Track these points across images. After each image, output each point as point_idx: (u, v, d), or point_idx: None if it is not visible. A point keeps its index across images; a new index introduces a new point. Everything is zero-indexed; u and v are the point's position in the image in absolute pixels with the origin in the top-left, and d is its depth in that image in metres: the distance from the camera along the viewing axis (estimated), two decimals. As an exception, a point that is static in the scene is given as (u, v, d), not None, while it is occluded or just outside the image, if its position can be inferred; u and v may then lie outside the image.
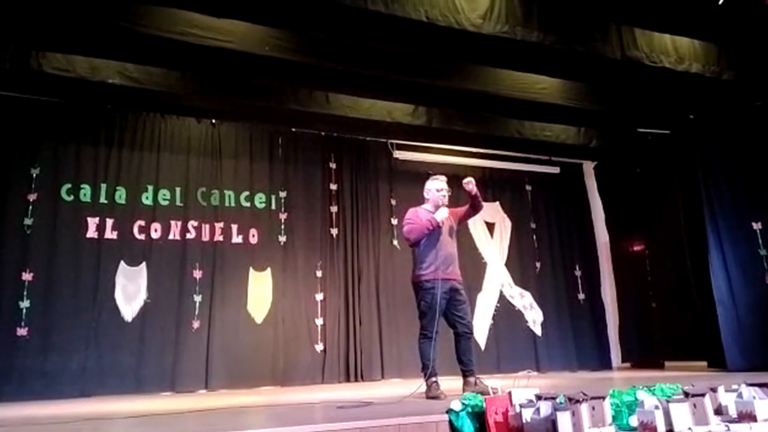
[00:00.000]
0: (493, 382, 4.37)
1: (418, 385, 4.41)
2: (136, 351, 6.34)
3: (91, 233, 6.47)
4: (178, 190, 6.94)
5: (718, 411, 3.14)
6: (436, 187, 4.57)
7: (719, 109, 6.87)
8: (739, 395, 3.11)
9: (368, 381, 7.07)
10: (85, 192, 6.54)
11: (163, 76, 5.97)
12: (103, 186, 6.63)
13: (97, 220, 6.52)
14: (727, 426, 2.91)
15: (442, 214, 4.45)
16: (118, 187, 6.69)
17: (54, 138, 6.53)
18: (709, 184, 6.91)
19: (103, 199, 6.60)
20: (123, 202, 6.69)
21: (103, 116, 6.76)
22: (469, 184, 4.45)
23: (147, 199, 6.80)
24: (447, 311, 4.44)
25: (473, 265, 8.28)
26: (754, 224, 6.60)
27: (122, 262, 6.54)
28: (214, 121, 7.25)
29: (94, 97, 6.39)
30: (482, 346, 7.99)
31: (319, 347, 7.18)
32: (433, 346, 4.33)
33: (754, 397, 3.02)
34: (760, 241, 6.52)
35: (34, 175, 6.37)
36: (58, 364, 5.99)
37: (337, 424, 2.87)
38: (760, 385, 3.22)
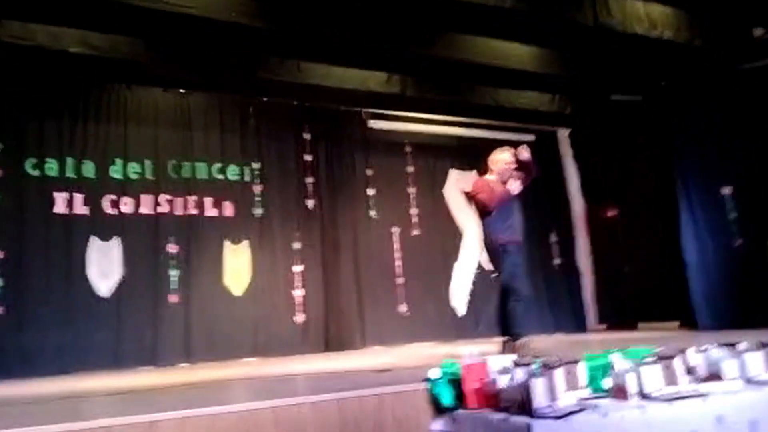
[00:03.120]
0: (471, 348, 4.42)
1: (403, 352, 4.47)
2: (113, 327, 6.29)
3: (61, 208, 6.32)
4: (147, 162, 6.79)
5: (689, 371, 3.23)
6: (505, 160, 4.70)
7: (690, 75, 6.92)
8: (708, 356, 3.20)
9: (349, 350, 7.14)
10: (51, 166, 6.36)
11: (127, 44, 5.75)
12: (70, 160, 6.45)
13: (65, 194, 6.36)
14: (696, 385, 3.00)
15: (517, 187, 4.60)
16: (84, 161, 6.51)
17: (16, 111, 6.30)
18: (681, 149, 7.02)
19: (70, 173, 6.43)
20: (91, 176, 6.53)
21: (67, 88, 6.52)
22: (526, 152, 4.58)
23: (116, 172, 6.64)
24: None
25: (451, 233, 8.34)
26: (724, 189, 6.73)
27: (94, 237, 6.42)
28: (182, 90, 7.05)
29: (55, 68, 6.14)
30: (460, 312, 8.11)
31: (299, 318, 7.20)
32: (522, 308, 4.51)
33: (722, 357, 3.12)
34: (730, 205, 6.67)
35: (-3, 149, 6.17)
36: (35, 342, 5.92)
37: (317, 396, 2.89)
38: (728, 345, 3.32)
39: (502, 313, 4.49)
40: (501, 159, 4.71)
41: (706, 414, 2.81)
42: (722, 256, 6.54)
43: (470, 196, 4.73)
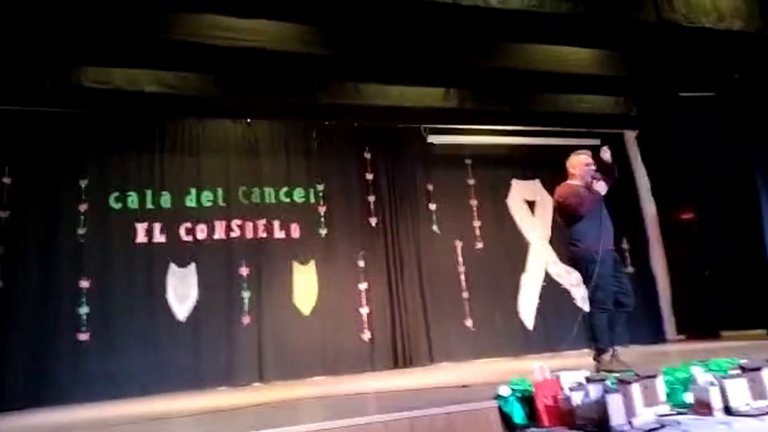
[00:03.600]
0: (541, 363, 4.33)
1: (476, 367, 4.42)
2: (190, 348, 6.56)
3: (141, 238, 6.71)
4: (219, 190, 7.11)
5: (779, 384, 3.03)
6: (585, 162, 4.56)
7: (764, 65, 6.53)
8: (801, 367, 2.99)
9: (417, 366, 7.12)
10: (132, 199, 6.78)
11: (197, 80, 6.09)
12: (149, 192, 6.85)
13: (145, 225, 6.75)
14: (788, 399, 2.81)
15: (603, 187, 4.47)
16: (162, 192, 6.90)
17: (99, 149, 6.78)
18: (759, 143, 6.60)
19: (149, 205, 6.83)
20: (168, 206, 6.90)
21: (143, 124, 6.96)
22: (606, 153, 4.49)
23: (191, 201, 6.99)
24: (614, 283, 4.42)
25: (516, 245, 8.20)
26: (810, 183, 6.29)
27: (172, 264, 6.76)
28: (249, 120, 7.36)
29: (132, 107, 6.57)
30: (529, 326, 7.93)
31: (366, 335, 7.26)
32: (605, 318, 4.32)
33: (817, 368, 2.91)
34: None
35: (83, 186, 6.64)
36: (119, 366, 6.26)
37: (388, 415, 2.91)
38: (823, 355, 3.10)
39: (589, 326, 4.35)
40: (581, 161, 4.55)
41: (801, 430, 2.63)
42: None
43: (557, 204, 4.58)
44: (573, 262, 4.58)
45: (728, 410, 2.69)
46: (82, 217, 6.55)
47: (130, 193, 6.78)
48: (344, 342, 7.13)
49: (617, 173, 4.57)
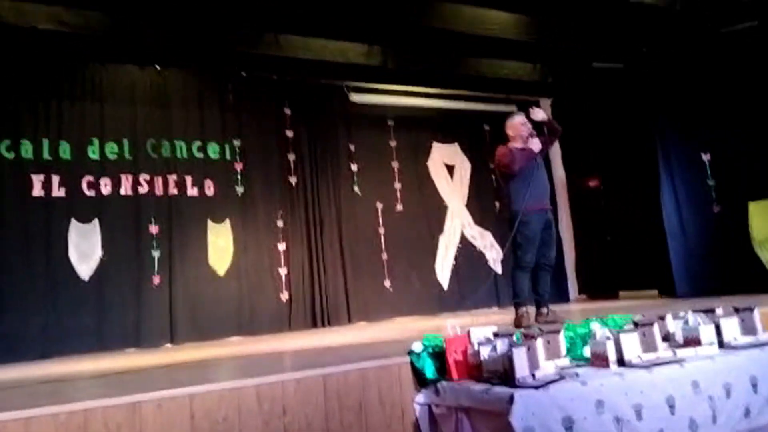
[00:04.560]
0: (453, 321, 4.47)
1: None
2: (96, 309, 6.22)
3: (37, 191, 6.19)
4: (126, 142, 6.66)
5: (666, 338, 3.29)
6: (520, 121, 4.61)
7: (671, 40, 6.90)
8: (685, 322, 3.26)
9: (335, 326, 7.18)
10: (27, 148, 6.21)
11: (98, 19, 5.60)
12: (45, 141, 6.30)
13: (42, 177, 6.22)
14: (673, 351, 3.06)
15: (537, 145, 4.49)
16: (61, 142, 6.37)
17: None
18: (661, 116, 7.03)
19: (46, 155, 6.28)
20: (68, 157, 6.39)
21: (38, 67, 6.32)
22: (538, 113, 4.52)
23: (93, 153, 6.51)
24: (541, 243, 4.49)
25: (435, 207, 8.36)
26: (703, 155, 6.78)
27: (73, 220, 6.32)
28: (158, 67, 6.90)
29: (24, 46, 5.96)
30: (445, 286, 8.17)
31: (285, 296, 7.20)
32: (527, 277, 4.43)
33: (699, 323, 3.18)
34: (709, 171, 6.73)
35: (-31, 133, 6.03)
36: (17, 327, 5.83)
37: (303, 371, 2.90)
38: (705, 311, 3.38)
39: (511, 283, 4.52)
40: (515, 122, 4.63)
41: (682, 379, 2.87)
42: (701, 223, 6.62)
43: (495, 164, 4.64)
44: (505, 219, 4.70)
45: (621, 362, 2.89)
46: (-31, 167, 5.96)
47: (24, 141, 6.20)
48: (261, 302, 7.03)
49: (559, 129, 4.65)
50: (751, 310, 3.34)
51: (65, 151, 6.38)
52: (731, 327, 3.27)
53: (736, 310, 3.38)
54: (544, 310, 4.51)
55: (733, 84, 6.53)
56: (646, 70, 7.26)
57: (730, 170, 6.54)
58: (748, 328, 3.30)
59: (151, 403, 2.57)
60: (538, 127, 4.64)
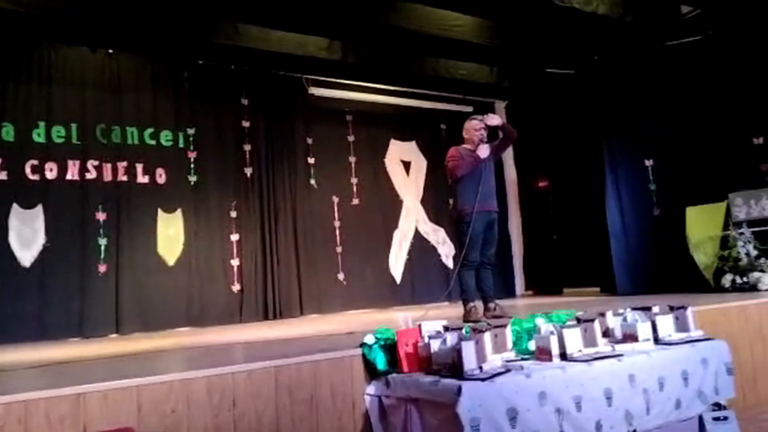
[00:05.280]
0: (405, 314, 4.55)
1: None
2: (37, 297, 6.02)
3: (-23, 174, 5.93)
4: (74, 126, 6.44)
5: (606, 333, 3.47)
6: (474, 126, 4.72)
7: (621, 50, 7.19)
8: (624, 319, 3.44)
9: (287, 318, 7.16)
10: (-33, 128, 5.94)
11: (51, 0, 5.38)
12: (-13, 122, 6.04)
13: (-19, 159, 5.97)
14: (612, 346, 3.23)
15: (484, 151, 4.60)
16: (5, 123, 6.11)
17: None
18: (609, 122, 7.31)
19: (-13, 136, 6.03)
20: (11, 139, 6.14)
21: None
22: (493, 119, 4.67)
23: (39, 136, 6.27)
24: (483, 242, 4.61)
25: (390, 203, 8.44)
26: (646, 161, 7.10)
27: (15, 205, 6.08)
28: (111, 51, 6.69)
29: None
30: (398, 279, 8.27)
31: (236, 287, 7.12)
32: (472, 275, 4.58)
33: (637, 320, 3.36)
34: (651, 176, 7.06)
35: None
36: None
37: (255, 363, 2.90)
38: (643, 309, 3.57)
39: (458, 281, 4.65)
40: (470, 126, 4.75)
41: (619, 373, 3.04)
42: (642, 225, 6.93)
43: (445, 164, 4.76)
44: (452, 219, 4.84)
45: (564, 356, 3.03)
46: None
47: (-35, 121, 5.94)
48: (212, 294, 6.94)
49: (514, 134, 4.79)
50: (684, 308, 3.56)
51: (8, 133, 6.14)
52: (666, 324, 3.48)
53: (671, 308, 3.60)
54: (492, 305, 4.67)
55: (677, 95, 6.87)
56: (596, 78, 7.56)
57: (670, 176, 6.88)
58: (682, 326, 3.51)
59: (97, 394, 2.51)
60: (494, 131, 4.77)
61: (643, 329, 3.31)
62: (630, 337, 3.32)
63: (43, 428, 2.40)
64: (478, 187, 4.51)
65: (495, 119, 4.72)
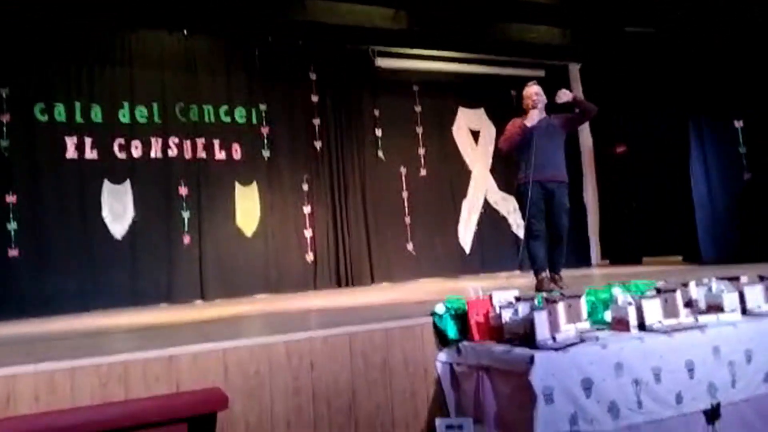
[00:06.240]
0: (475, 284, 4.55)
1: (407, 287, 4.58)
2: (129, 267, 6.46)
3: (71, 153, 6.38)
4: (155, 106, 6.78)
5: (689, 304, 3.33)
6: (526, 93, 4.59)
7: (705, 5, 6.67)
8: (709, 289, 3.28)
9: (359, 286, 7.32)
10: (60, 111, 6.38)
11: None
12: (78, 105, 6.45)
13: (75, 139, 6.40)
14: (695, 317, 3.10)
15: (531, 119, 4.45)
16: (93, 105, 6.51)
17: (21, 56, 6.25)
18: (693, 82, 6.85)
19: (79, 118, 6.44)
20: (99, 120, 6.54)
21: (70, 32, 6.43)
22: (562, 97, 4.47)
23: (124, 116, 6.65)
24: (547, 213, 4.50)
25: (459, 173, 8.36)
26: (735, 122, 6.63)
27: (106, 181, 6.51)
28: (185, 32, 6.94)
29: (59, 12, 6.03)
30: (467, 249, 8.23)
31: (310, 257, 7.35)
32: (539, 245, 4.47)
33: (723, 291, 3.20)
34: (741, 138, 6.59)
35: (4, 95, 6.18)
36: (53, 284, 6.09)
37: (330, 329, 3.01)
38: (729, 279, 3.39)
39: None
40: (524, 93, 4.59)
41: (703, 344, 2.92)
42: (730, 191, 6.52)
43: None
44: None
45: (642, 327, 2.94)
46: (5, 128, 6.13)
47: (57, 104, 6.36)
48: (287, 263, 7.20)
49: (592, 109, 4.56)
50: (775, 278, 3.34)
51: (97, 114, 6.53)
52: (755, 295, 3.29)
53: (762, 279, 3.39)
54: (556, 277, 4.55)
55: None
56: (678, 36, 7.04)
57: (763, 138, 6.38)
58: (772, 297, 3.30)
59: (187, 356, 2.71)
60: (569, 108, 4.56)
61: (730, 300, 3.15)
62: (715, 308, 3.17)
63: (141, 386, 2.61)
64: (531, 157, 4.34)
65: (565, 95, 4.47)
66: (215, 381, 2.71)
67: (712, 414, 2.81)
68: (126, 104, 6.65)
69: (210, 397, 2.60)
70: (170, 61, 6.92)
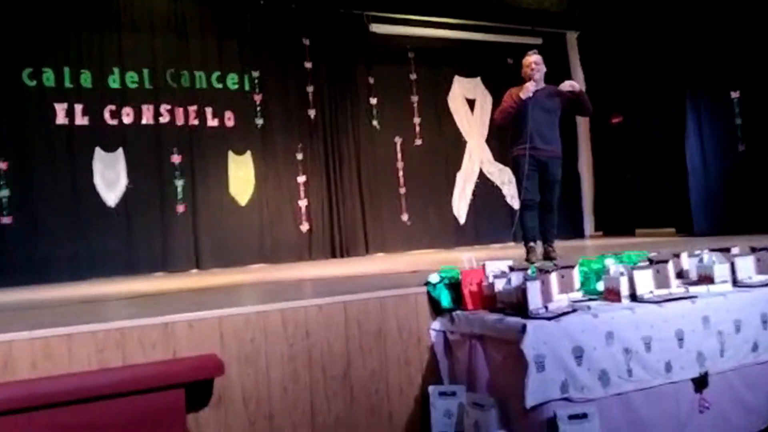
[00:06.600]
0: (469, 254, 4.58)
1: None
2: (123, 235, 6.44)
3: (61, 119, 6.29)
4: (145, 72, 6.66)
5: (680, 275, 3.36)
6: (524, 61, 4.50)
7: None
8: (700, 260, 3.31)
9: (353, 256, 7.35)
10: (48, 76, 6.26)
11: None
12: (67, 70, 6.32)
13: (65, 105, 6.30)
14: (686, 288, 3.13)
15: (527, 91, 4.37)
16: (82, 71, 6.39)
17: (8, 21, 6.08)
18: (690, 52, 6.78)
19: (68, 83, 6.33)
20: (89, 86, 6.43)
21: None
22: (567, 85, 4.46)
23: (114, 82, 6.54)
24: (540, 184, 4.48)
25: (454, 143, 8.31)
26: (732, 93, 6.59)
27: (98, 148, 6.43)
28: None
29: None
30: (461, 220, 8.25)
31: (304, 227, 7.35)
32: (531, 216, 4.47)
33: (714, 261, 3.23)
34: (737, 110, 6.56)
35: (-9, 58, 6.06)
36: (46, 251, 6.08)
37: (325, 298, 3.03)
38: (721, 250, 3.43)
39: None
40: (524, 62, 4.49)
41: (693, 314, 2.96)
42: (724, 162, 6.53)
43: None
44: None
45: (634, 297, 2.97)
46: (-8, 93, 6.04)
47: (46, 69, 6.24)
48: (282, 232, 7.20)
49: (589, 109, 4.60)
50: (767, 249, 3.38)
51: (86, 79, 6.42)
52: (746, 266, 3.32)
53: (753, 250, 3.42)
54: (549, 248, 4.57)
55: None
56: (676, 4, 6.94)
57: (759, 109, 6.36)
58: (764, 267, 3.34)
59: (183, 323, 2.72)
60: (569, 99, 4.51)
61: (721, 271, 3.19)
62: (706, 278, 3.21)
63: (138, 353, 2.63)
64: (524, 128, 4.32)
65: (568, 85, 4.45)
66: (211, 348, 2.73)
67: (701, 382, 2.87)
68: (116, 70, 6.53)
69: (206, 363, 2.63)
70: (160, 26, 6.77)
